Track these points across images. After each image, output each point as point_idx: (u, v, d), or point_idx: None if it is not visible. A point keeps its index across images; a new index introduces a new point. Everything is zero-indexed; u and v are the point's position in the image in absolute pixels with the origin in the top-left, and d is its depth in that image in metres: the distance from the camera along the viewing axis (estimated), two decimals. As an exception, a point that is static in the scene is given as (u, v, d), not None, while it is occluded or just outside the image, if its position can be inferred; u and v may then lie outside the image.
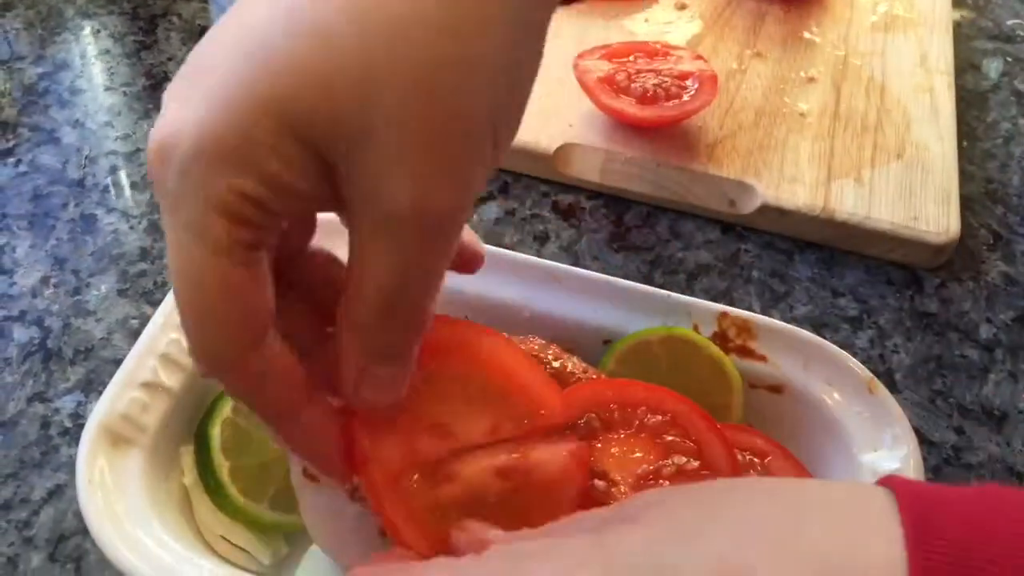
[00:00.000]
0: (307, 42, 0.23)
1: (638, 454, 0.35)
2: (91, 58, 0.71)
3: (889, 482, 0.23)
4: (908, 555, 0.21)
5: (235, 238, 0.24)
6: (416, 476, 0.31)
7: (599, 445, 0.35)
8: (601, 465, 0.34)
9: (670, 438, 0.35)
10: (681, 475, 0.34)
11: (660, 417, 0.35)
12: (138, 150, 0.63)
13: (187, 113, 0.24)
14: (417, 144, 0.23)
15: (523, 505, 0.31)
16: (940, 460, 0.50)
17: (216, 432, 0.41)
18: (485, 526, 0.30)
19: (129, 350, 0.42)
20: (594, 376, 0.39)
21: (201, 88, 0.24)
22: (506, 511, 0.31)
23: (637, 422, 0.35)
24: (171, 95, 0.25)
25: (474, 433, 0.32)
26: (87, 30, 0.73)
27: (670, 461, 0.35)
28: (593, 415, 0.35)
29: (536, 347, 0.40)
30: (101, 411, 0.40)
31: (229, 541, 0.41)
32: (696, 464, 0.35)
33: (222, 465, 0.41)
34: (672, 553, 0.23)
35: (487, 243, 0.44)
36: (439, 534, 0.30)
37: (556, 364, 0.39)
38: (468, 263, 0.34)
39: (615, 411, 0.35)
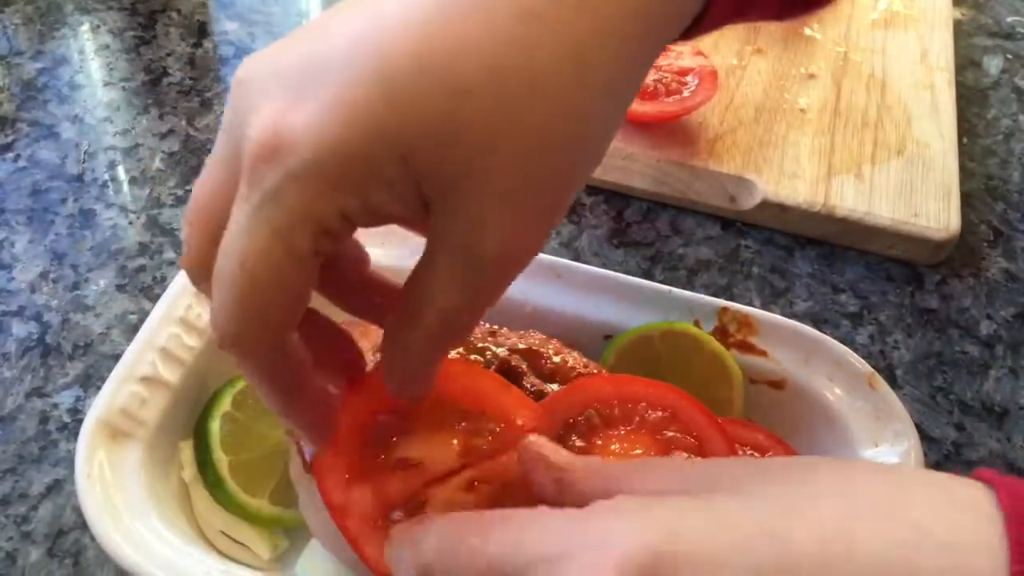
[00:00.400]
0: (444, 91, 0.24)
1: (639, 450, 0.35)
2: (90, 53, 0.71)
3: (983, 474, 0.24)
4: (1008, 537, 0.21)
5: (316, 248, 0.25)
6: (392, 514, 0.31)
7: (599, 442, 0.34)
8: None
9: (671, 434, 0.35)
10: None
11: (660, 413, 0.35)
12: (137, 145, 0.63)
13: (306, 117, 0.24)
14: (522, 201, 0.25)
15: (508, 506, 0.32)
16: (940, 456, 0.50)
17: (215, 427, 0.41)
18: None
19: (128, 345, 0.42)
20: (595, 371, 0.39)
21: (321, 91, 0.24)
22: None
23: (637, 418, 0.35)
24: (277, 77, 0.25)
25: (445, 460, 0.32)
26: (86, 25, 0.73)
27: (671, 457, 0.35)
28: (593, 411, 0.35)
29: (537, 342, 0.39)
30: (100, 406, 0.40)
31: (228, 536, 0.41)
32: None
33: (221, 460, 0.41)
34: (783, 523, 0.23)
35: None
36: None
37: (556, 359, 0.39)
38: None
39: (615, 407, 0.35)
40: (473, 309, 0.27)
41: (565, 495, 0.28)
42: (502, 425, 0.33)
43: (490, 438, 0.33)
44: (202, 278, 0.28)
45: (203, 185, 0.28)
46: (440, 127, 0.24)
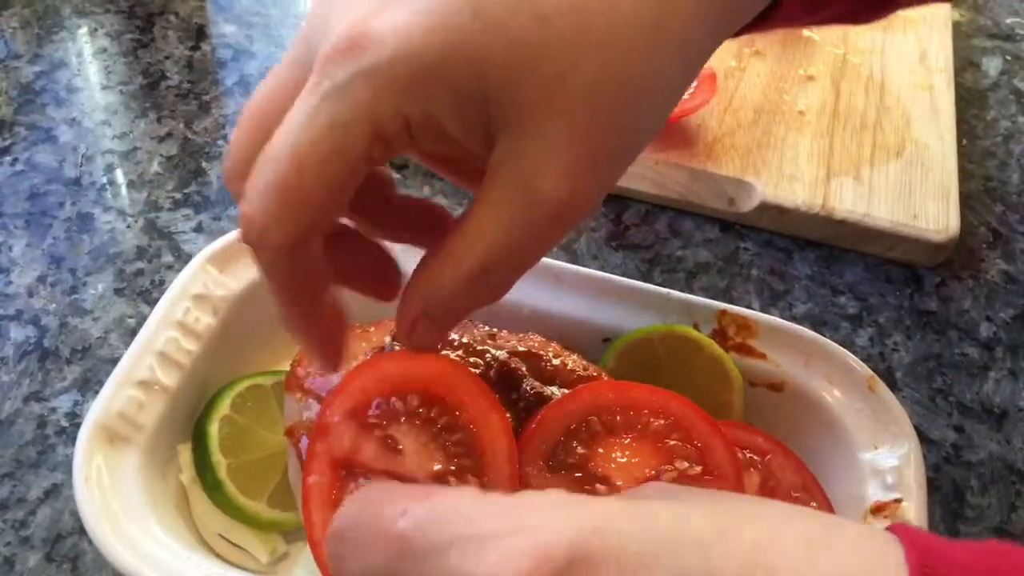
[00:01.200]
0: (527, 16, 0.24)
1: (640, 459, 0.34)
2: (88, 57, 0.70)
3: (895, 529, 0.24)
4: None
5: (368, 153, 0.25)
6: None
7: (601, 449, 0.34)
8: (603, 470, 0.33)
9: (673, 442, 0.34)
10: (683, 480, 0.34)
11: (663, 421, 0.35)
12: (135, 148, 0.63)
13: (391, 21, 0.24)
14: (588, 147, 0.25)
15: None
16: (940, 458, 0.50)
17: (214, 430, 0.41)
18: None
19: (125, 349, 0.42)
20: (595, 373, 0.39)
21: (410, 2, 0.24)
22: None
23: (639, 425, 0.35)
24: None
25: (429, 479, 0.32)
26: (84, 29, 0.73)
27: (672, 466, 0.34)
28: (595, 418, 0.35)
29: (536, 345, 0.39)
30: (98, 410, 0.39)
31: (227, 539, 0.41)
32: (699, 469, 0.34)
33: (220, 463, 0.41)
34: (712, 536, 0.23)
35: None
36: None
37: (556, 362, 0.39)
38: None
39: (617, 414, 0.35)
40: (517, 257, 0.27)
41: None
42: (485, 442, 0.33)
43: (477, 459, 0.33)
44: (239, 177, 0.27)
45: (264, 86, 0.28)
46: (520, 50, 0.24)
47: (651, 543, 0.22)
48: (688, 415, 0.35)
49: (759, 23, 0.31)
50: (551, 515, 0.23)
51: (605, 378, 0.39)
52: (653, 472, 0.34)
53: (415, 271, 0.29)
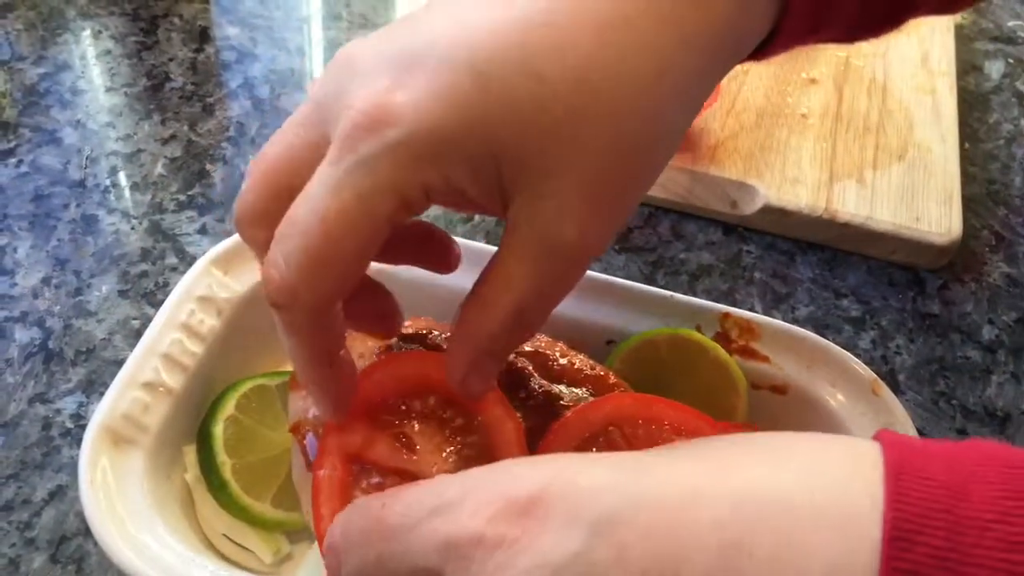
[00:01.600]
0: (526, 79, 0.26)
1: None
2: (92, 59, 0.71)
3: (878, 434, 0.25)
4: (885, 491, 0.22)
5: (394, 218, 0.27)
6: None
7: None
8: None
9: None
10: None
11: (682, 438, 0.34)
12: (139, 151, 0.63)
13: (409, 98, 0.26)
14: (596, 199, 0.27)
15: None
16: (943, 461, 0.50)
17: (219, 430, 0.41)
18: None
19: (130, 351, 0.42)
20: (601, 373, 0.39)
21: (422, 77, 0.26)
22: None
23: (660, 441, 0.34)
24: (381, 60, 0.27)
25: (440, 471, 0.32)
26: (88, 31, 0.73)
27: None
28: (614, 428, 0.34)
29: (543, 344, 0.39)
30: (103, 412, 0.40)
31: (231, 540, 0.41)
32: None
33: (225, 463, 0.41)
34: (662, 464, 0.25)
35: (491, 244, 0.44)
36: None
37: (563, 361, 0.39)
38: (445, 262, 0.36)
39: (639, 427, 0.35)
40: (546, 299, 0.29)
41: None
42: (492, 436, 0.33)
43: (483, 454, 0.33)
44: (251, 225, 0.30)
45: (279, 143, 0.29)
46: (525, 117, 0.26)
47: (603, 477, 0.24)
48: (708, 434, 0.34)
49: (758, 54, 0.32)
50: (522, 469, 0.25)
51: (612, 379, 0.39)
52: None
53: (455, 327, 0.30)
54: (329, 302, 0.28)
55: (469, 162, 0.26)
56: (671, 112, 0.28)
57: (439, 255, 0.35)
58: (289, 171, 0.29)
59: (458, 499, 0.25)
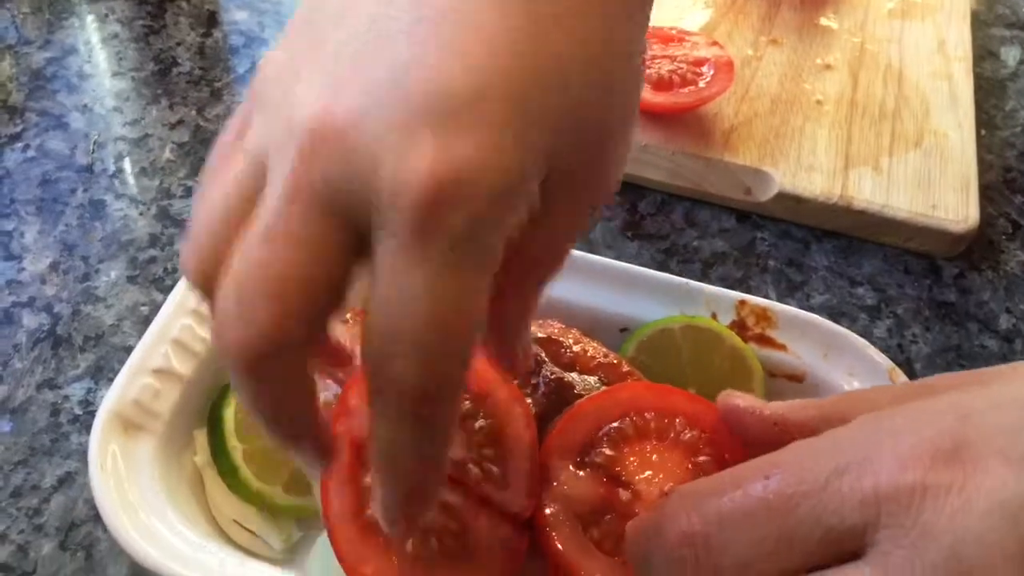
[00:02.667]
0: (556, 94, 0.25)
1: (665, 471, 0.33)
2: (99, 43, 0.70)
3: None
4: None
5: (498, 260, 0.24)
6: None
7: (628, 452, 0.33)
8: (627, 475, 0.33)
9: (702, 458, 0.33)
10: None
11: (696, 432, 0.33)
12: (146, 136, 0.63)
13: (473, 153, 0.23)
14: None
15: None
16: (960, 451, 0.49)
17: (230, 414, 0.41)
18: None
19: (139, 337, 0.42)
20: (614, 361, 0.38)
21: (473, 128, 0.23)
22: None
23: (673, 434, 0.33)
24: (432, 121, 0.23)
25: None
26: (94, 15, 0.72)
27: None
28: (630, 419, 0.34)
29: (556, 331, 0.39)
30: (113, 398, 0.39)
31: (241, 525, 0.41)
32: None
33: (236, 447, 0.41)
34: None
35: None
36: None
37: (576, 348, 0.38)
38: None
39: (653, 419, 0.34)
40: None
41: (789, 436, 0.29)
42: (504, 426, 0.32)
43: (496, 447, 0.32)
44: (208, 278, 0.25)
45: (215, 180, 0.26)
46: (579, 135, 0.26)
47: (1008, 415, 0.24)
48: (724, 431, 0.33)
49: None
50: (909, 421, 0.25)
51: (625, 367, 0.38)
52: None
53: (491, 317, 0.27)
54: (301, 344, 0.24)
55: (531, 191, 0.25)
56: (622, 67, 0.28)
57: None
58: (237, 209, 0.25)
59: (863, 456, 0.24)
